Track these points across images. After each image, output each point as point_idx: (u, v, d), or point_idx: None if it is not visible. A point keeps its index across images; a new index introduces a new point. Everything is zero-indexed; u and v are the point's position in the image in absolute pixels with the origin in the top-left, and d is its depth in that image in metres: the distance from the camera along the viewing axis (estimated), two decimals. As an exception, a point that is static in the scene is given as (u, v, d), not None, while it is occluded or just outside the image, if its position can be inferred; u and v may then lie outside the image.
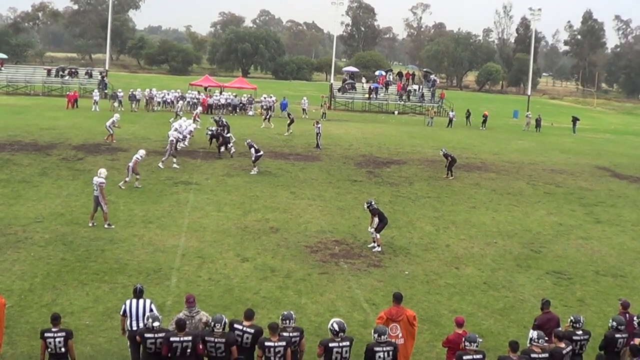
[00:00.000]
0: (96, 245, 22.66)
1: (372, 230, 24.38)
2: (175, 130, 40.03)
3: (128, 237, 23.82)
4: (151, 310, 13.79)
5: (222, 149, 41.40)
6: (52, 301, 17.73)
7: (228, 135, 42.93)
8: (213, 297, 18.58)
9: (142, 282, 19.08)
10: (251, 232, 25.27)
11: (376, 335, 12.58)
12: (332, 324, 12.81)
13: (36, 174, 33.30)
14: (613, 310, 18.64)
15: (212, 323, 12.67)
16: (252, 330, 12.95)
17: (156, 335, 12.57)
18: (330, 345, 12.57)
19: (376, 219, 24.24)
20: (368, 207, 24.57)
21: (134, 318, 13.75)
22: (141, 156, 32.17)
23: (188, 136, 43.81)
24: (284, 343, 12.40)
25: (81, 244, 22.71)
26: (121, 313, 14.00)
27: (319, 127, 47.32)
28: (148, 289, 18.82)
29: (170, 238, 23.99)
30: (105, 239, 23.32)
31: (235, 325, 13.06)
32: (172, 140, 36.98)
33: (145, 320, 12.87)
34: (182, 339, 12.40)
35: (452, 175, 38.74)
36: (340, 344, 12.61)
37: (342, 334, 12.69)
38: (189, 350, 12.38)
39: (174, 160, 36.49)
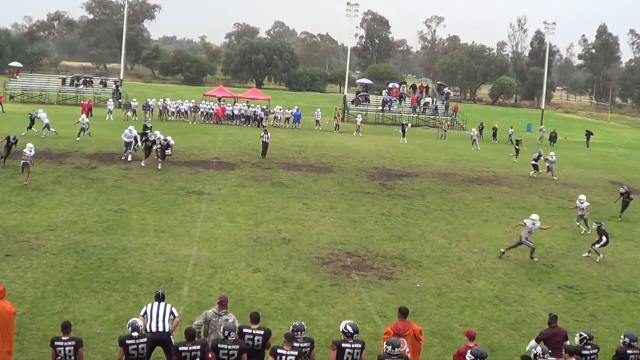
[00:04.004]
0: (108, 253, 22.74)
1: (597, 247, 26.19)
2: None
3: (140, 246, 23.89)
4: (171, 313, 14.19)
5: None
6: (63, 309, 17.79)
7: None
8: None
9: (154, 291, 19.12)
10: (263, 243, 25.29)
11: (390, 348, 12.55)
12: (345, 326, 13.03)
13: (50, 182, 33.43)
14: (625, 326, 18.62)
15: (227, 332, 12.74)
16: (262, 332, 13.28)
17: (137, 341, 12.70)
18: (343, 345, 12.80)
19: (604, 238, 26.05)
20: (598, 227, 26.41)
21: (153, 320, 13.99)
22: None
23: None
24: (296, 353, 12.51)
25: (93, 252, 22.79)
26: (141, 313, 14.21)
27: (266, 137, 46.47)
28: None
29: (183, 248, 24.05)
30: (117, 248, 23.40)
31: (245, 330, 13.28)
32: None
33: (126, 328, 13.00)
34: (190, 348, 12.56)
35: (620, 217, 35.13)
36: (353, 345, 12.84)
37: (356, 335, 12.94)
38: (197, 359, 12.45)
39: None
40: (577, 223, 31.33)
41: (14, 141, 37.01)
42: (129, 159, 40.60)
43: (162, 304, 14.30)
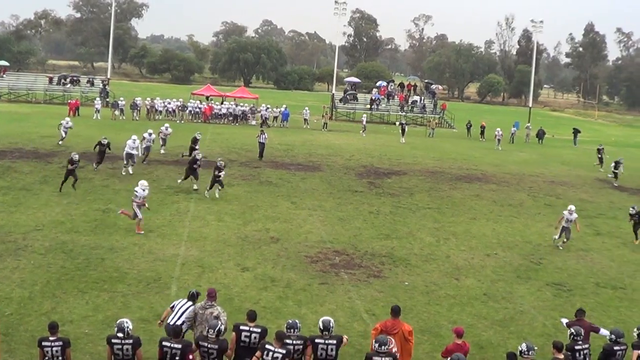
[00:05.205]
0: (96, 253, 22.66)
1: None
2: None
3: (128, 245, 23.82)
4: (184, 311, 14.42)
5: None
6: (51, 309, 17.72)
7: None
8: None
9: (142, 291, 19.33)
10: (251, 242, 25.26)
11: (377, 345, 12.63)
12: (319, 322, 13.32)
13: (37, 182, 33.30)
14: (613, 322, 18.71)
15: (209, 330, 12.85)
16: (259, 330, 13.37)
17: (123, 342, 12.72)
18: (317, 341, 13.02)
19: None
20: None
21: (175, 315, 14.38)
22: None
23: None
24: (283, 351, 12.57)
25: (81, 252, 22.71)
26: (170, 306, 14.77)
27: (263, 137, 45.90)
28: (147, 297, 18.93)
29: (171, 247, 24.00)
30: (105, 248, 23.33)
31: (242, 327, 13.39)
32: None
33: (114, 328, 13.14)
34: (172, 345, 12.66)
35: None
36: (327, 342, 13.03)
37: (326, 332, 13.10)
38: (177, 358, 12.59)
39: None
40: (557, 236, 27.97)
41: (77, 162, 32.10)
42: (130, 172, 36.85)
43: (189, 303, 14.60)
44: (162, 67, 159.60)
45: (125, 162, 37.34)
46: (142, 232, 25.56)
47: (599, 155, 52.90)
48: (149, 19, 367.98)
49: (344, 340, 13.46)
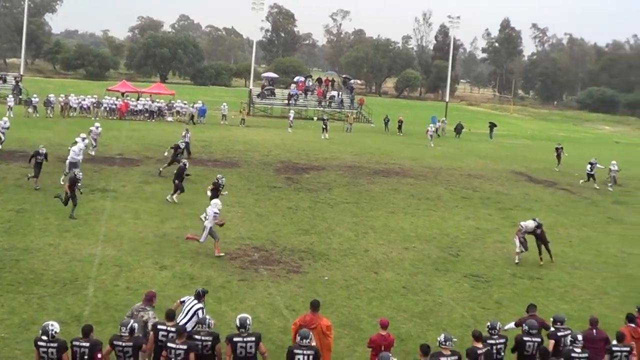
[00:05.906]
0: (10, 255, 22.13)
1: None
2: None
3: (43, 246, 23.32)
4: (195, 313, 14.44)
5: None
6: (-36, 313, 17.28)
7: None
8: (131, 306, 18.30)
9: (58, 292, 18.95)
10: (169, 240, 25.02)
11: (299, 338, 12.72)
12: (235, 320, 13.31)
13: (-53, 182, 32.37)
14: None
15: (122, 328, 12.87)
16: (176, 329, 13.23)
17: (48, 345, 12.54)
18: (235, 339, 12.96)
19: None
20: None
21: (184, 315, 14.49)
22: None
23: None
24: (185, 347, 12.64)
25: (-6, 254, 22.18)
26: (180, 300, 15.07)
27: (188, 136, 45.28)
28: (64, 299, 18.58)
29: (87, 247, 23.60)
30: (19, 249, 22.80)
31: (159, 327, 13.41)
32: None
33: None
34: (81, 344, 12.59)
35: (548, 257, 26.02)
36: (245, 339, 12.98)
37: (243, 330, 13.06)
38: (85, 357, 12.52)
39: None
40: (521, 249, 25.47)
41: (80, 178, 28.75)
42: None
43: (195, 301, 14.72)
44: (76, 62, 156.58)
45: (67, 171, 33.03)
46: (222, 254, 23.72)
47: (557, 154, 51.93)
48: (63, 14, 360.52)
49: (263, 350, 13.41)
